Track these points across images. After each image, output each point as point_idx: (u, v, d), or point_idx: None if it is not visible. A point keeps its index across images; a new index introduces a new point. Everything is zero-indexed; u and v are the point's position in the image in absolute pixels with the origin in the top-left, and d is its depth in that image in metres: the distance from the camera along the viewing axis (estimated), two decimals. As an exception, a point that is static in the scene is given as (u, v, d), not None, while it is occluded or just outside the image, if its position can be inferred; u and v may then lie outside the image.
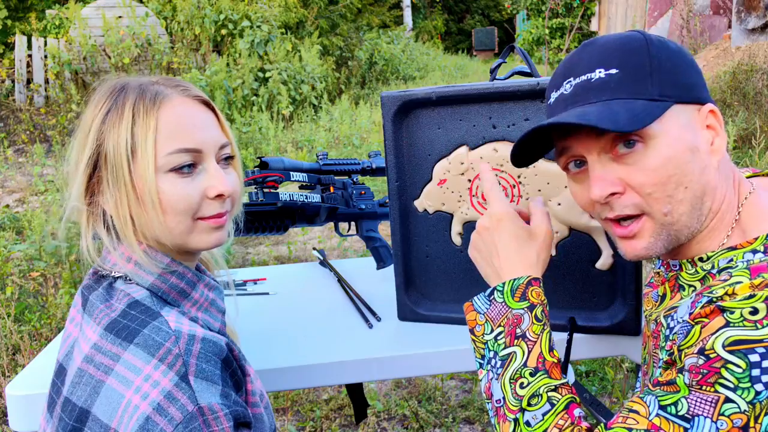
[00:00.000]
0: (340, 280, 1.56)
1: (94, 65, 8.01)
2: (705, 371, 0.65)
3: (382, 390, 2.72)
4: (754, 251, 0.74)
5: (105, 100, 0.82)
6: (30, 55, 8.23)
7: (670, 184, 0.74)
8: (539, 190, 1.16)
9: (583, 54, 0.79)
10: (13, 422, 1.08)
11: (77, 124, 0.84)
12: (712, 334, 0.65)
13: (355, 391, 1.64)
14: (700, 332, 0.67)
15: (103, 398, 0.73)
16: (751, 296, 0.65)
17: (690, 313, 0.71)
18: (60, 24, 8.72)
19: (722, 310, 0.66)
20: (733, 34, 7.45)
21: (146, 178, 0.79)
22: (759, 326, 0.63)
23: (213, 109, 0.88)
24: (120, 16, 8.34)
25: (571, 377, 1.17)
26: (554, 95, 0.81)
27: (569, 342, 1.06)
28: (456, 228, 1.25)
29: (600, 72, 0.76)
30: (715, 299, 0.68)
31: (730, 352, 0.63)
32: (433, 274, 1.28)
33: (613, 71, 0.75)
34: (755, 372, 0.62)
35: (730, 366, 0.63)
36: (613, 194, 0.77)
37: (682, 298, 0.80)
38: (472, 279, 1.25)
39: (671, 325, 0.79)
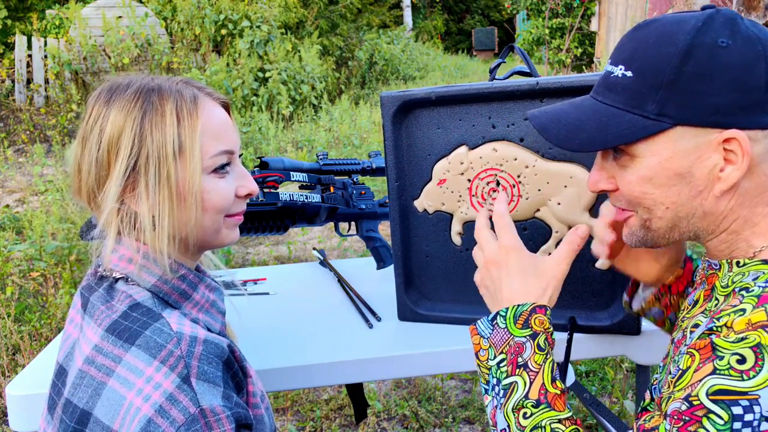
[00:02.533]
0: (340, 280, 1.56)
1: (94, 65, 8.02)
2: (687, 418, 0.62)
3: (382, 390, 2.72)
4: None
5: (135, 102, 0.80)
6: (30, 55, 8.23)
7: (646, 200, 0.75)
8: (539, 190, 1.16)
9: (628, 39, 0.76)
10: (13, 422, 1.08)
11: (90, 130, 0.81)
12: (699, 381, 0.63)
13: (355, 391, 1.64)
14: (691, 376, 0.65)
15: (104, 400, 0.73)
16: (742, 338, 0.63)
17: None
18: (60, 24, 8.72)
19: (714, 348, 0.64)
20: (733, 34, 7.44)
21: (193, 178, 0.80)
22: (745, 377, 0.60)
23: (228, 111, 0.90)
24: (120, 16, 8.34)
25: (571, 377, 1.17)
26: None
27: (569, 342, 1.06)
28: (456, 228, 1.25)
29: (620, 69, 0.74)
30: (715, 329, 0.66)
31: (714, 401, 0.61)
32: (433, 274, 1.28)
33: (629, 74, 0.73)
34: (737, 425, 0.59)
35: (711, 416, 0.60)
36: (605, 189, 0.80)
37: (705, 311, 0.77)
38: (472, 279, 1.25)
39: (690, 342, 0.75)
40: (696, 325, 0.76)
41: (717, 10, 0.71)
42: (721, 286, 0.76)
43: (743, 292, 0.70)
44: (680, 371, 0.67)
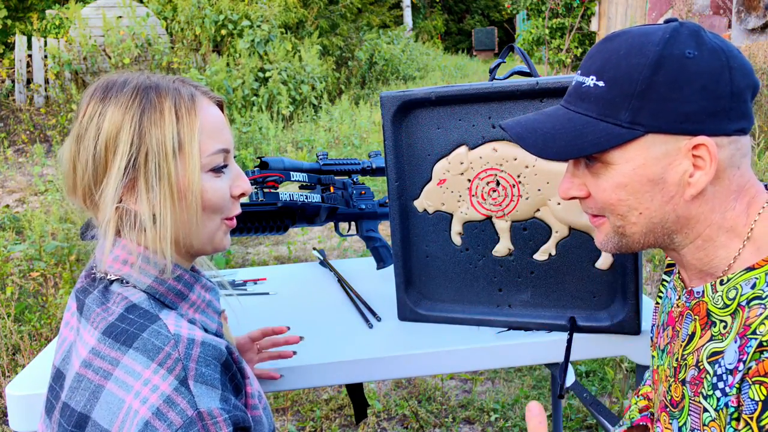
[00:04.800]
0: (340, 280, 1.56)
1: (94, 65, 8.02)
2: None
3: (382, 390, 2.72)
4: None
5: (133, 100, 0.79)
6: (30, 55, 8.23)
7: (621, 206, 0.76)
8: (539, 190, 1.16)
9: (598, 51, 0.78)
10: (13, 422, 1.08)
11: (85, 128, 0.80)
12: None
13: (355, 391, 1.64)
14: None
15: (102, 403, 0.72)
16: None
17: (742, 361, 0.68)
18: (60, 24, 8.72)
19: None
20: (733, 34, 7.45)
21: (193, 177, 0.80)
22: None
23: (222, 111, 0.90)
24: (120, 16, 8.34)
25: (571, 377, 1.17)
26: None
27: (569, 342, 1.06)
28: (456, 228, 1.25)
29: (592, 80, 0.75)
30: (765, 342, 0.65)
31: None
32: (433, 274, 1.28)
33: (601, 84, 0.74)
34: None
35: None
36: (576, 197, 0.81)
37: (712, 337, 0.75)
38: (472, 279, 1.25)
39: (719, 372, 0.72)
40: (714, 354, 0.74)
41: (681, 23, 0.74)
42: (718, 308, 0.76)
43: (757, 301, 0.70)
44: (758, 403, 0.65)
